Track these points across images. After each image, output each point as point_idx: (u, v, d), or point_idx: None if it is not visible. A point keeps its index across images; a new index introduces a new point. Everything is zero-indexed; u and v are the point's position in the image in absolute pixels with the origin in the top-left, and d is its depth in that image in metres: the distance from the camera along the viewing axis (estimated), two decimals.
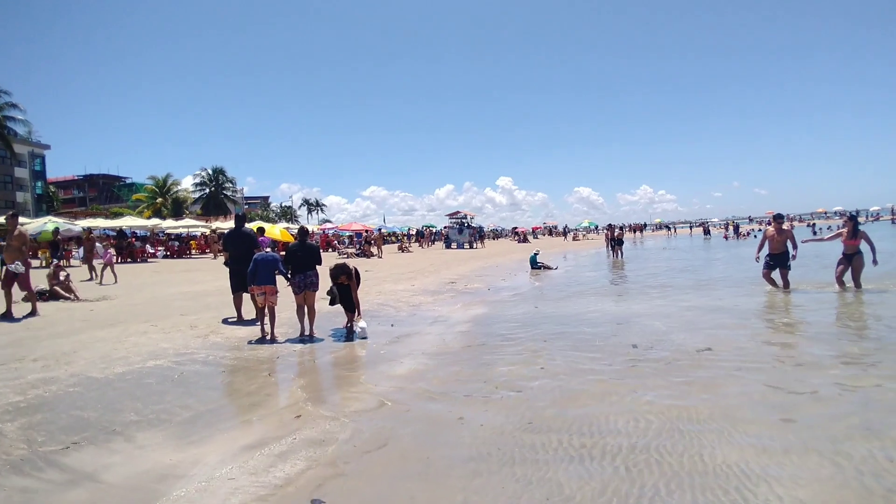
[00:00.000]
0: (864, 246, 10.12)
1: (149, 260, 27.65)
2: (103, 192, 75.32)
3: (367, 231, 37.28)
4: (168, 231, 35.36)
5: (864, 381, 4.73)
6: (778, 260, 10.78)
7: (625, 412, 4.15)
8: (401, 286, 14.16)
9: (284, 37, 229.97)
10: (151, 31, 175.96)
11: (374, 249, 30.25)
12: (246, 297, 8.46)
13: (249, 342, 7.28)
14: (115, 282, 14.90)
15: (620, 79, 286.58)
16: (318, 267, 7.83)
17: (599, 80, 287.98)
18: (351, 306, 7.92)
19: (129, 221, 30.90)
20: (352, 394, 4.96)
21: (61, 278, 11.61)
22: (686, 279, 14.32)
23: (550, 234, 73.22)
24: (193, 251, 34.69)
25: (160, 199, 57.19)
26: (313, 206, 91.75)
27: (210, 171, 62.51)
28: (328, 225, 58.16)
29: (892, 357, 5.48)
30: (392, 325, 8.61)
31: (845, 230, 10.33)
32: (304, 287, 7.61)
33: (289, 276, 7.67)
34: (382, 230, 43.20)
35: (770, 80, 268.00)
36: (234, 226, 9.18)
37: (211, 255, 31.56)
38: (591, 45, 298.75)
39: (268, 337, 7.44)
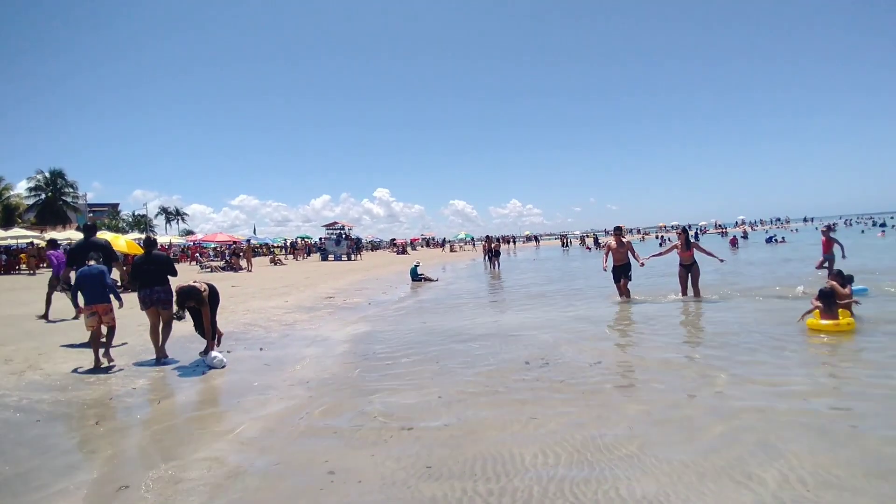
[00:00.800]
0: (699, 256, 10.93)
1: None
2: None
3: (235, 242, 34.50)
4: None
5: (750, 391, 4.81)
6: (621, 270, 11.05)
7: (530, 444, 3.74)
8: (272, 303, 12.93)
9: (130, 23, 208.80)
10: None
11: (242, 262, 27.98)
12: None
13: (76, 370, 5.98)
14: None
15: (488, 94, 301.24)
16: (170, 279, 6.99)
17: (469, 94, 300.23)
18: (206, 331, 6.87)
19: None
20: (203, 446, 4.00)
21: None
22: (559, 289, 14.76)
23: (428, 245, 73.80)
24: (23, 266, 29.61)
25: None
26: (172, 215, 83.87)
27: (47, 175, 54.33)
28: (194, 236, 53.33)
29: (764, 366, 5.73)
30: (261, 349, 7.60)
31: (679, 243, 11.07)
32: (151, 303, 6.73)
33: (118, 291, 6.71)
34: (252, 241, 40.44)
35: (616, 105, 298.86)
36: (82, 237, 7.76)
37: (30, 271, 27.18)
38: (458, 57, 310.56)
39: (103, 364, 6.29)
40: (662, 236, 55.27)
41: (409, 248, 58.20)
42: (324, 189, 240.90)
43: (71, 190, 56.24)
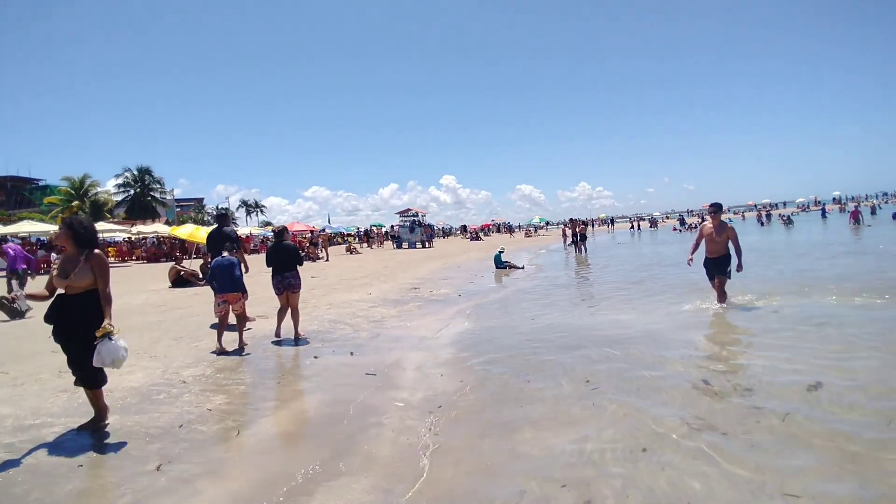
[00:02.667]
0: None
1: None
2: (12, 195, 67.87)
3: (311, 231, 34.31)
4: None
5: None
6: (717, 265, 7.95)
7: None
8: (355, 295, 11.88)
9: (213, 30, 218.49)
10: (61, 24, 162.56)
11: (319, 251, 27.57)
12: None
13: (145, 384, 4.89)
14: None
15: (556, 79, 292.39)
16: (298, 267, 7.38)
17: (536, 81, 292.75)
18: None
19: (27, 227, 26.53)
20: None
21: None
22: (671, 277, 12.65)
23: (499, 230, 71.96)
24: (111, 258, 30.85)
25: (76, 203, 51.63)
26: (252, 207, 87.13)
27: (135, 172, 57.18)
28: (268, 227, 54.63)
29: None
30: (352, 354, 6.41)
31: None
32: (284, 288, 7.19)
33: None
34: (327, 230, 40.33)
35: (696, 81, 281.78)
36: (216, 225, 8.68)
37: (136, 260, 28.06)
38: (524, 46, 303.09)
39: (229, 349, 6.53)
40: (765, 213, 49.92)
41: (481, 235, 56.69)
42: (391, 178, 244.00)
43: (158, 186, 58.92)
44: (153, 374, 5.52)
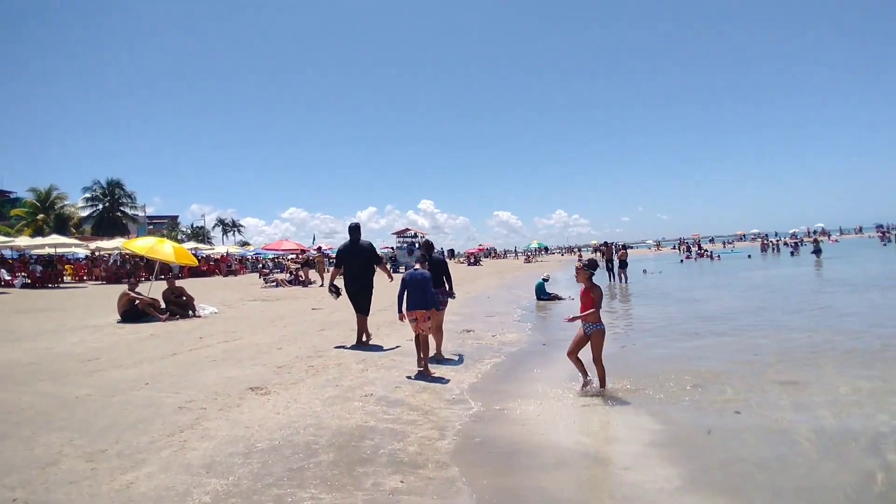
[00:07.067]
0: None
1: None
2: None
3: (303, 251, 29.95)
4: (34, 252, 26.67)
5: None
6: None
7: None
8: (384, 339, 8.11)
9: (188, 43, 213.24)
10: (33, 29, 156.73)
11: (311, 274, 23.29)
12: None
13: None
14: None
15: (533, 107, 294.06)
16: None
17: (513, 109, 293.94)
18: None
19: None
20: None
21: None
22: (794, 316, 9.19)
23: (489, 255, 68.55)
24: (67, 277, 26.53)
25: (41, 216, 46.98)
26: (229, 226, 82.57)
27: (104, 185, 52.76)
28: (247, 247, 50.49)
29: None
30: None
31: None
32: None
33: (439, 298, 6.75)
34: (323, 250, 36.08)
35: (671, 107, 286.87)
36: (348, 238, 7.97)
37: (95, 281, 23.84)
38: (502, 71, 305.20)
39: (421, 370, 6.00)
40: (794, 242, 46.37)
41: (477, 260, 53.16)
42: (369, 201, 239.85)
43: (129, 200, 54.57)
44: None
